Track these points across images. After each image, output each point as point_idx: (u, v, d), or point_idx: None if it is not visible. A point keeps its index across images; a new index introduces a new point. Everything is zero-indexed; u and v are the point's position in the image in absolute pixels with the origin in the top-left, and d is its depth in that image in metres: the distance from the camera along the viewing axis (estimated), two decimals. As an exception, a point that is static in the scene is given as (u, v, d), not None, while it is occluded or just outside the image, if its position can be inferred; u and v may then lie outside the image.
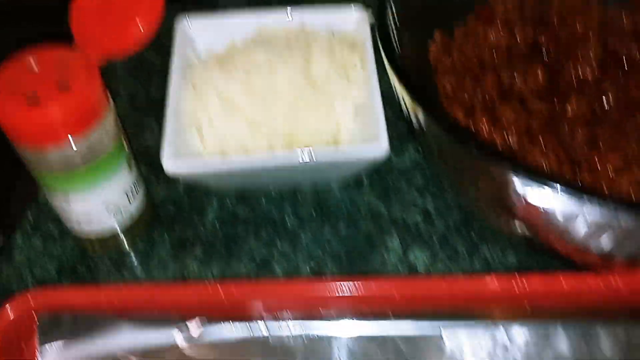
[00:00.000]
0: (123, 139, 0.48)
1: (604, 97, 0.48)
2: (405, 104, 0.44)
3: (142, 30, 0.45)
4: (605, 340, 0.44)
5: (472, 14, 0.55)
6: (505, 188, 0.38)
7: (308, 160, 0.46)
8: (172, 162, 0.48)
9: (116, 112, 0.47)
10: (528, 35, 0.52)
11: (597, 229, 0.38)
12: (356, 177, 0.55)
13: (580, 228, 0.38)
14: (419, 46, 0.53)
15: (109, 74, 0.64)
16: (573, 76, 0.50)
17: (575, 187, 0.36)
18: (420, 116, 0.42)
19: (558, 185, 0.36)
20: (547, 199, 0.37)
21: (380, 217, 0.53)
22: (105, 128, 0.45)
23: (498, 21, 0.53)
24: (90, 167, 0.45)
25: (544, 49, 0.52)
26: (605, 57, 0.51)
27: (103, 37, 0.45)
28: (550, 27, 0.53)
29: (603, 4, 0.54)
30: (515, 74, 0.50)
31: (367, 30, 0.54)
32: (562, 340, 0.45)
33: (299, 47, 0.53)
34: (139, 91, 0.63)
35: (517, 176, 0.37)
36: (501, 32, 0.53)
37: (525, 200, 0.38)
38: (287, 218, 0.53)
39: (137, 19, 0.45)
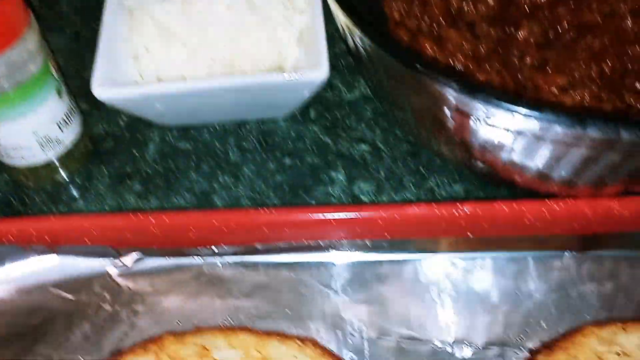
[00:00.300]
0: (51, 64, 0.46)
1: (556, 21, 0.47)
2: (342, 26, 0.42)
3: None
4: (538, 272, 0.43)
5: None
6: (438, 104, 0.37)
7: (237, 84, 0.44)
8: (102, 88, 0.46)
9: (41, 34, 0.44)
10: (480, -41, 0.50)
11: (535, 143, 0.36)
12: (303, 110, 0.53)
13: (519, 143, 0.37)
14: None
15: (53, 10, 0.63)
16: (525, 2, 0.48)
17: (510, 98, 0.34)
18: (356, 36, 0.40)
19: (493, 97, 0.34)
20: (477, 110, 0.35)
21: (326, 150, 0.51)
22: (27, 48, 0.42)
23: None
24: (15, 91, 0.43)
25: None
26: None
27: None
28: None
29: None
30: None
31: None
32: (502, 270, 0.44)
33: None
34: (84, 28, 0.61)
35: (449, 88, 0.35)
36: (452, -43, 0.50)
37: (458, 113, 0.36)
38: (230, 151, 0.51)
39: None
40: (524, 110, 0.33)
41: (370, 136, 0.51)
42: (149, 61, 0.49)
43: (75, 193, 0.50)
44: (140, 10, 0.49)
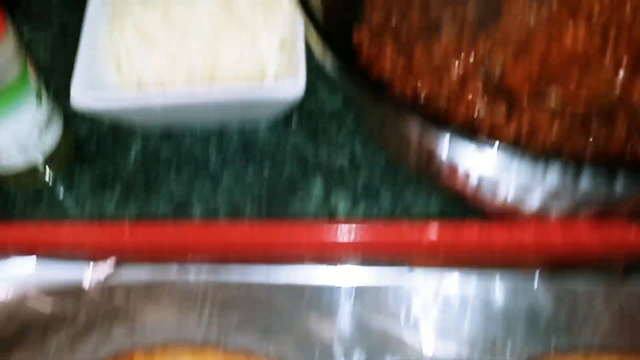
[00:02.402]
0: (30, 70, 0.45)
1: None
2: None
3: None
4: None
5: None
6: (404, 134, 0.36)
7: (216, 96, 0.44)
8: (81, 95, 0.46)
9: (19, 41, 0.44)
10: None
11: (501, 178, 0.36)
12: (285, 118, 0.52)
13: (485, 176, 0.36)
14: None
15: (38, 3, 0.62)
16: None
17: (475, 137, 0.33)
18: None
19: (458, 136, 0.34)
20: (441, 146, 0.34)
21: (305, 160, 0.51)
22: (5, 56, 0.42)
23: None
24: (-8, 99, 0.43)
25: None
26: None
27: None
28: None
29: None
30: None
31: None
32: (474, 289, 0.44)
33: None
34: (70, 21, 0.60)
35: (413, 124, 0.35)
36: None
37: (424, 146, 0.36)
38: (210, 158, 0.51)
39: None
40: (489, 150, 0.33)
41: (350, 147, 0.51)
42: (128, 66, 0.49)
43: (56, 197, 0.50)
44: (122, 15, 0.49)
